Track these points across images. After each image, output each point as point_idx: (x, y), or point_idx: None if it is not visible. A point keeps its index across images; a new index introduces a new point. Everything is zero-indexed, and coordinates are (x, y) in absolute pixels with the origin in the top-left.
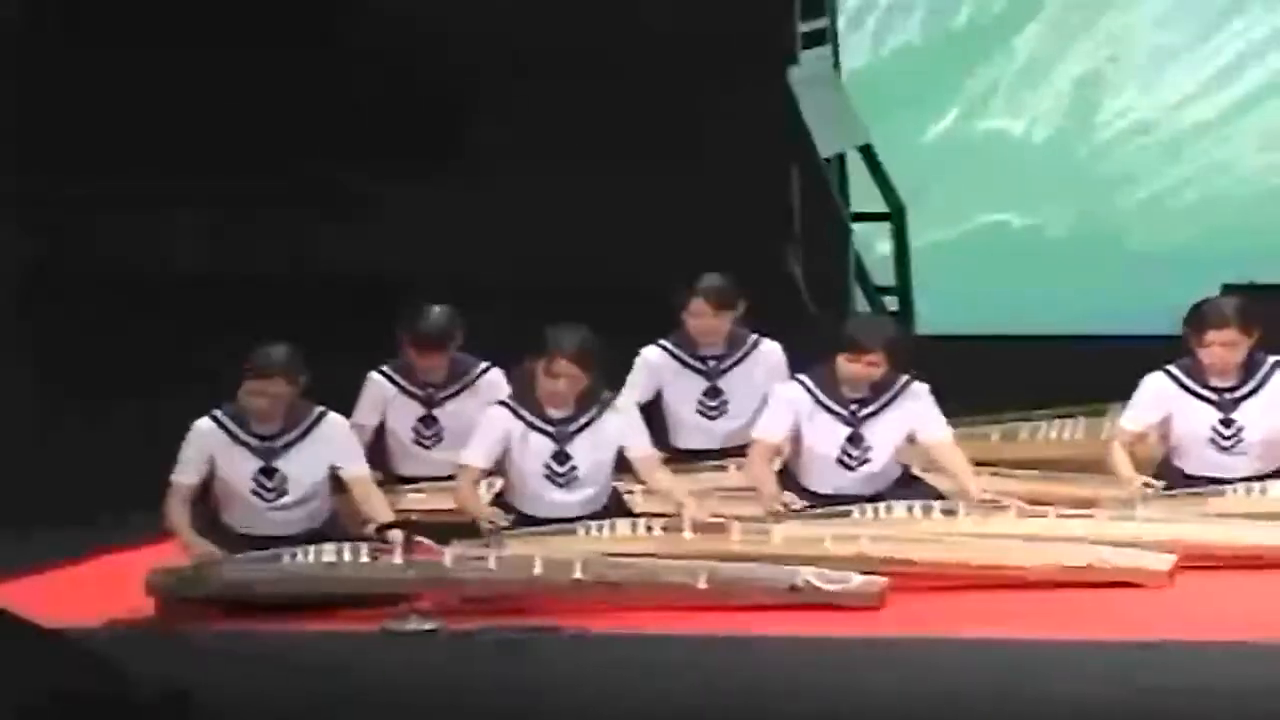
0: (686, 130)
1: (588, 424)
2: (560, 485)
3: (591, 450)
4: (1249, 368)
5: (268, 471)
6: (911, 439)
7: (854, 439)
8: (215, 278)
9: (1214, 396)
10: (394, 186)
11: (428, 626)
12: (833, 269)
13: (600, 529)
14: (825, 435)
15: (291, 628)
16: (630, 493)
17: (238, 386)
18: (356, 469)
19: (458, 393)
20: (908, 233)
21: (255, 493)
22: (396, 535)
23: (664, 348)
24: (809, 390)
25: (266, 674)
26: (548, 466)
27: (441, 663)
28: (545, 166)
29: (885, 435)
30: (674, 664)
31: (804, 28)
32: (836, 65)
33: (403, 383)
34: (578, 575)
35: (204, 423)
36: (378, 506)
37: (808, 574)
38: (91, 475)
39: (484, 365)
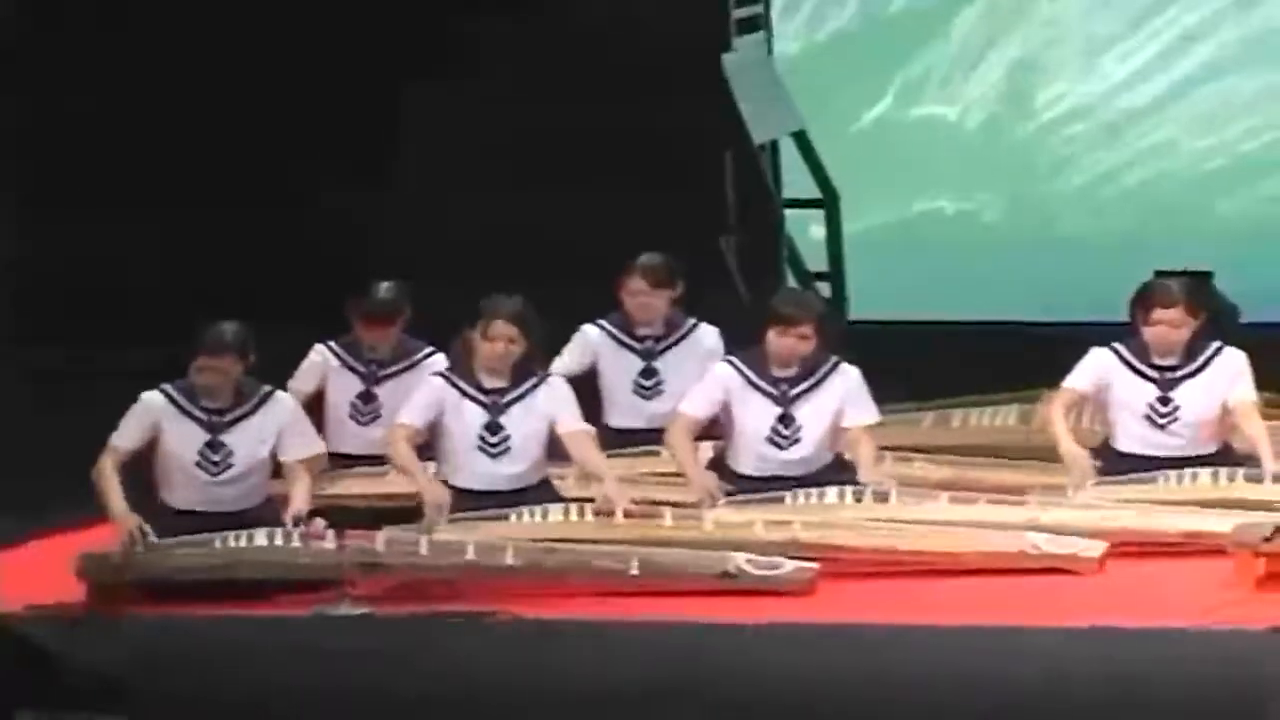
0: (620, 117)
1: (522, 395)
2: (492, 456)
3: (524, 422)
4: (1192, 349)
5: (214, 445)
6: (838, 421)
7: (784, 419)
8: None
9: (1154, 374)
10: (337, 189)
11: (359, 611)
12: (766, 255)
13: (533, 514)
14: (756, 415)
15: (223, 612)
16: (561, 479)
17: (188, 363)
18: (293, 454)
19: (400, 372)
20: (841, 219)
21: (199, 465)
22: (319, 524)
23: (602, 326)
24: (739, 370)
25: (198, 658)
26: (480, 437)
27: (373, 647)
28: (481, 151)
29: (815, 416)
30: (606, 649)
31: (738, 14)
32: (770, 51)
33: (346, 357)
34: (510, 561)
35: (152, 395)
36: (299, 493)
37: (739, 560)
38: (26, 461)
39: (429, 349)
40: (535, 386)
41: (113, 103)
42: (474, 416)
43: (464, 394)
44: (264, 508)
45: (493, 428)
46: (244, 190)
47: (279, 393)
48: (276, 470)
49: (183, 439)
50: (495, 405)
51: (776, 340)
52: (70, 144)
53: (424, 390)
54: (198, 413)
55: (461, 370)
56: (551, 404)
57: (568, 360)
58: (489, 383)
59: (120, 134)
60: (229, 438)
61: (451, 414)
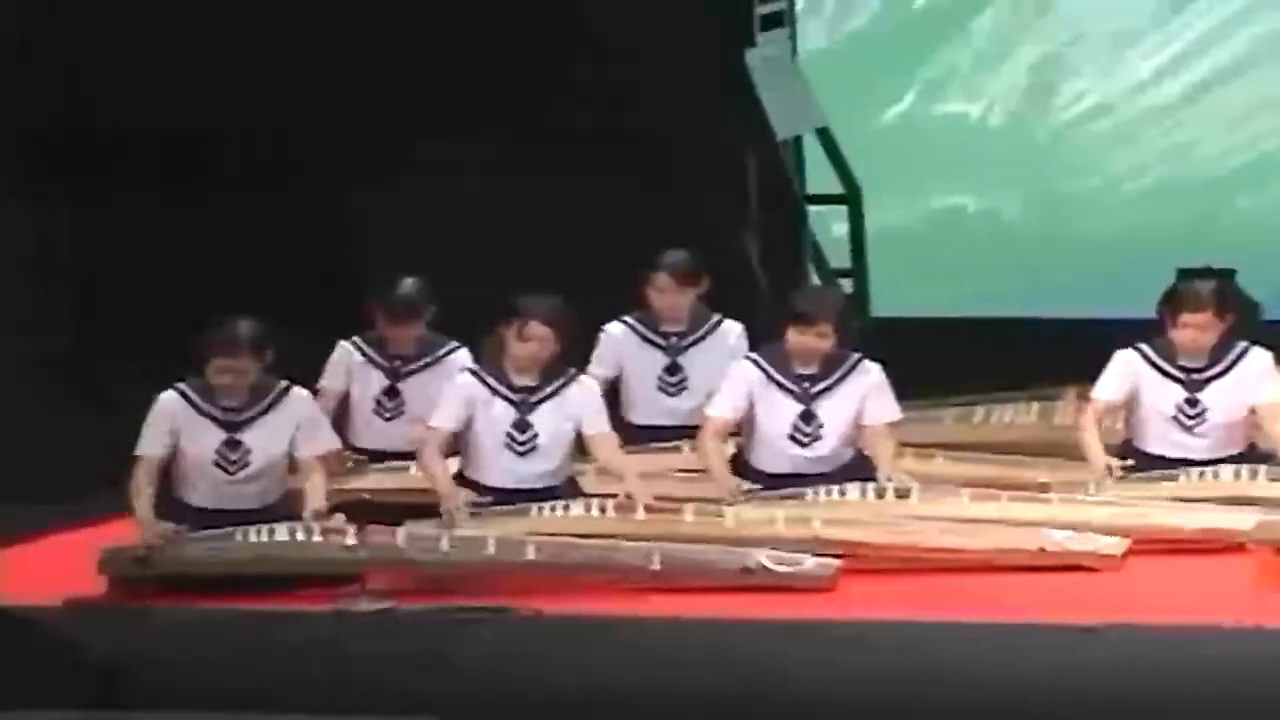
0: (643, 112)
1: (552, 394)
2: (520, 454)
3: (553, 421)
4: (1219, 350)
5: (231, 444)
6: (860, 418)
7: (806, 416)
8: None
9: (1181, 376)
10: (356, 190)
11: (380, 606)
12: (789, 252)
13: (554, 510)
14: (777, 412)
15: (243, 607)
16: (581, 474)
17: (204, 362)
18: (309, 451)
19: (424, 368)
20: (864, 216)
21: (218, 464)
22: (339, 519)
23: (626, 323)
24: (760, 367)
25: (218, 653)
26: (509, 435)
27: (394, 643)
28: (502, 148)
29: (837, 413)
30: (626, 645)
31: (762, 10)
32: (794, 48)
33: (370, 352)
34: (531, 556)
35: (168, 395)
36: (314, 491)
37: (760, 556)
38: (48, 452)
39: (453, 344)
40: (565, 385)
41: (124, 96)
42: (503, 414)
43: (493, 391)
44: (282, 504)
45: (521, 426)
46: (256, 183)
47: (295, 389)
48: (291, 465)
49: (200, 438)
50: (524, 403)
51: (795, 338)
52: (80, 136)
53: (454, 390)
54: (214, 412)
55: (491, 367)
56: (580, 405)
57: (600, 369)
58: (519, 380)
59: (131, 124)
60: (246, 436)
61: (481, 411)
